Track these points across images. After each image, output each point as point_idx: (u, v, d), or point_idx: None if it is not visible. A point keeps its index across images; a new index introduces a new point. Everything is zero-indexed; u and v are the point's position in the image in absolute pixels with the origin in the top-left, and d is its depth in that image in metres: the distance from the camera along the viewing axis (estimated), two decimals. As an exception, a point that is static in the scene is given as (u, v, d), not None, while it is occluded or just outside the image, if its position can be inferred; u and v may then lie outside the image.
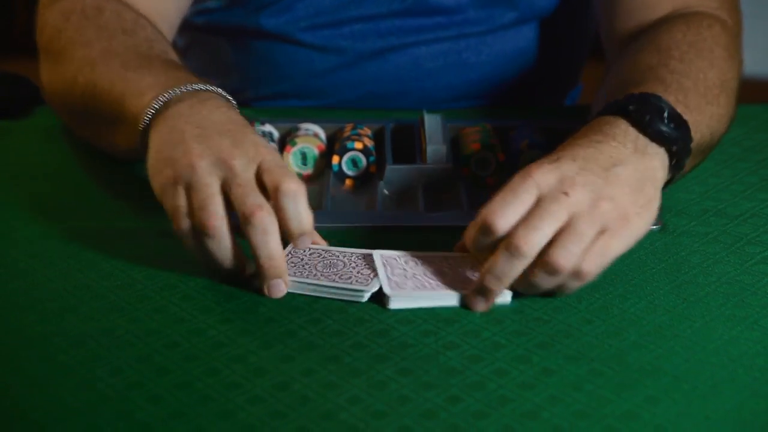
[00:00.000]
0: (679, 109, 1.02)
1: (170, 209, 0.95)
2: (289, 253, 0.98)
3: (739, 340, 0.91)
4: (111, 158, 1.20)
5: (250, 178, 0.95)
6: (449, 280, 0.96)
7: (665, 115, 0.99)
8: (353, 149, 1.17)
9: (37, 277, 0.99)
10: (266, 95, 1.42)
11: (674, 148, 0.99)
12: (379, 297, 0.95)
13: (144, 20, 1.20)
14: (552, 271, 0.91)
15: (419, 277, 0.96)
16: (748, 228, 1.08)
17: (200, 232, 0.94)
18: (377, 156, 1.19)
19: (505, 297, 0.95)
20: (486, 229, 0.92)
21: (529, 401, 0.83)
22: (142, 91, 1.05)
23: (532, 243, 0.90)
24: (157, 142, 0.99)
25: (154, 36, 1.17)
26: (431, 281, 0.96)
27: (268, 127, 1.22)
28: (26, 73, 1.38)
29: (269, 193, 0.94)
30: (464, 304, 0.94)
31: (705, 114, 1.07)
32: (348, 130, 1.21)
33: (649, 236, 1.06)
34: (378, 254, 0.99)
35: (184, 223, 0.94)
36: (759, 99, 1.51)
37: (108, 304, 0.95)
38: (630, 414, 0.82)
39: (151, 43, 1.15)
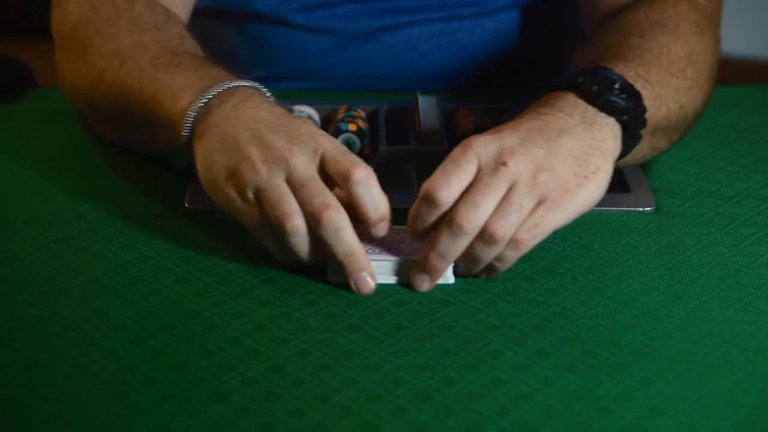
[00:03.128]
0: (639, 83, 1.02)
1: (248, 218, 0.95)
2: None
3: (733, 321, 0.91)
4: (106, 142, 1.19)
5: (313, 175, 0.93)
6: (403, 248, 0.97)
7: (616, 86, 0.99)
8: (347, 131, 1.17)
9: (30, 260, 0.99)
10: (260, 77, 1.41)
11: (624, 118, 0.98)
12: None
13: (176, 15, 1.19)
14: (490, 241, 0.91)
15: (373, 244, 0.97)
16: (742, 209, 1.08)
17: (280, 232, 0.93)
18: (371, 138, 1.19)
19: (447, 278, 0.95)
20: (429, 201, 0.92)
21: (523, 383, 0.83)
22: (176, 93, 1.03)
23: (474, 220, 0.91)
24: (206, 150, 0.97)
25: (185, 33, 1.16)
26: (383, 249, 0.96)
27: (261, 109, 1.22)
28: (20, 55, 1.37)
29: (339, 183, 0.94)
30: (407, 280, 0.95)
31: (670, 87, 1.07)
32: (342, 112, 1.21)
33: (643, 218, 1.06)
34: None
35: (265, 231, 0.94)
36: (753, 80, 1.51)
37: (102, 286, 0.95)
38: (624, 395, 0.82)
39: (182, 39, 1.14)
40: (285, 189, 0.93)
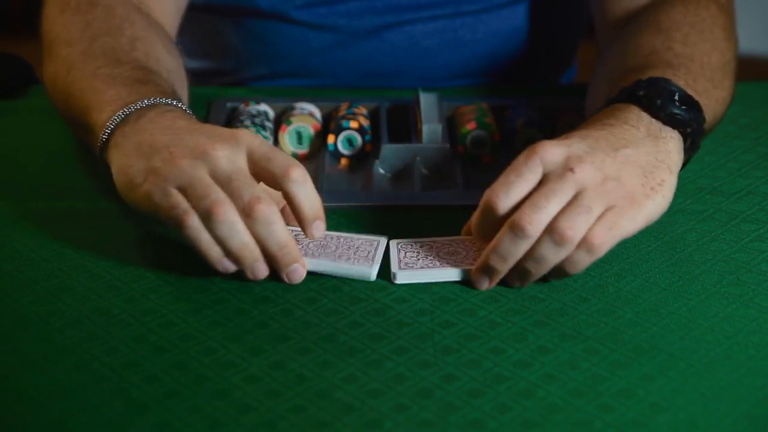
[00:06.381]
0: (689, 93, 1.02)
1: (169, 211, 0.91)
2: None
3: (734, 317, 0.91)
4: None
5: (240, 168, 0.92)
6: (460, 258, 0.96)
7: (676, 98, 0.99)
8: (349, 128, 1.17)
9: (32, 257, 0.99)
10: (262, 75, 1.41)
11: (688, 130, 0.98)
12: (386, 274, 0.96)
13: (137, 15, 1.17)
14: (558, 240, 0.89)
15: (431, 258, 0.97)
16: (743, 206, 1.08)
17: (208, 220, 0.90)
18: (373, 135, 1.19)
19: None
20: (488, 210, 0.92)
21: (524, 379, 0.83)
22: (103, 105, 1.02)
23: (537, 222, 0.89)
24: (122, 156, 0.96)
25: (141, 33, 1.15)
26: (441, 261, 0.96)
27: (263, 107, 1.22)
28: (21, 52, 1.37)
29: (271, 182, 0.92)
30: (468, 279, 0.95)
31: (712, 98, 1.07)
32: (343, 109, 1.21)
33: (645, 214, 1.06)
34: (394, 242, 0.99)
35: (191, 219, 0.90)
36: (754, 76, 1.51)
37: (103, 283, 0.95)
38: (625, 392, 0.82)
39: (133, 43, 1.13)
40: (210, 180, 0.91)
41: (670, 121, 0.98)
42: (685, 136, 0.99)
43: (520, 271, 0.92)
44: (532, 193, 0.91)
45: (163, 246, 1.00)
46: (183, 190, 0.91)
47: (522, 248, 0.90)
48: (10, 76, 1.33)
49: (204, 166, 0.92)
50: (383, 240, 0.99)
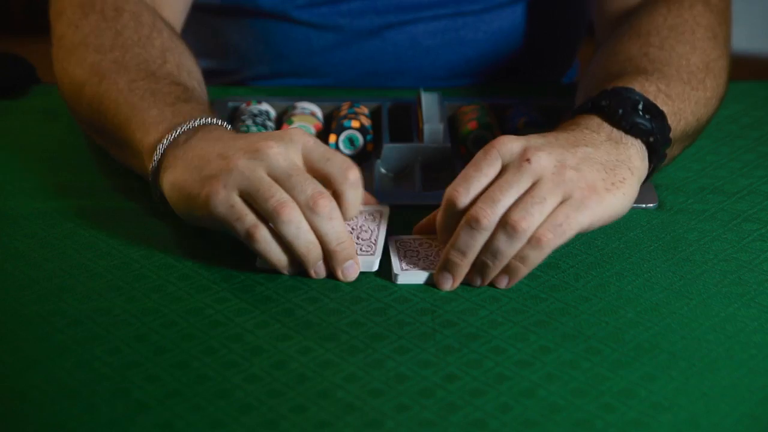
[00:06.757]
0: (660, 99, 1.02)
1: (235, 223, 0.92)
2: None
3: (736, 317, 0.91)
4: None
5: (298, 166, 0.93)
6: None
7: (640, 107, 0.98)
8: (350, 128, 1.17)
9: (33, 257, 0.99)
10: (263, 74, 1.41)
11: (651, 139, 0.98)
12: (388, 274, 0.96)
13: (161, 23, 1.17)
14: (511, 231, 0.90)
15: (431, 258, 0.97)
16: (745, 205, 1.08)
17: (276, 222, 0.91)
18: (374, 135, 1.19)
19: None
20: (450, 206, 0.93)
21: (526, 379, 0.83)
22: (147, 127, 1.02)
23: (491, 215, 0.90)
24: (175, 175, 0.97)
25: (169, 44, 1.15)
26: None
27: (264, 106, 1.22)
28: (23, 52, 1.37)
29: (327, 182, 0.93)
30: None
31: (690, 101, 1.06)
32: (345, 108, 1.21)
33: (646, 214, 1.06)
34: (393, 240, 0.99)
35: (260, 233, 0.92)
36: (756, 76, 1.51)
37: (105, 283, 0.95)
38: (627, 391, 0.82)
39: (164, 55, 1.13)
40: (269, 180, 0.92)
41: (632, 130, 0.98)
42: (647, 145, 0.99)
43: (479, 266, 0.93)
44: (489, 186, 0.92)
45: (164, 246, 1.00)
46: (245, 194, 0.92)
47: (479, 241, 0.91)
48: (12, 77, 1.33)
49: (260, 165, 0.92)
50: (385, 209, 1.01)
